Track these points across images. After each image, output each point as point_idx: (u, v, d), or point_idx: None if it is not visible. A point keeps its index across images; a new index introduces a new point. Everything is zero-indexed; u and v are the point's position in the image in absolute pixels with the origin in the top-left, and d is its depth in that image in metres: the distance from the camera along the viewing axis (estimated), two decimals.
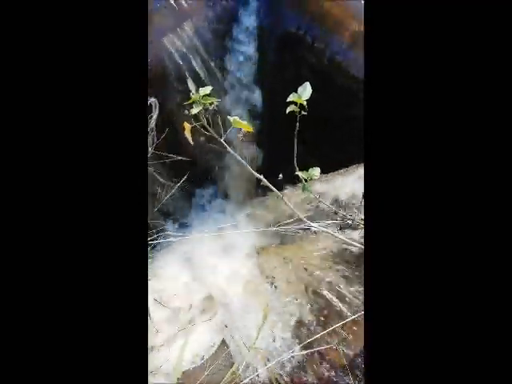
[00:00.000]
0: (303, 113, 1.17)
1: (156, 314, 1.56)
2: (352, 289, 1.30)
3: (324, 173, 1.40)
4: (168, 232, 1.65)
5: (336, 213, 1.47)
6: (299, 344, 1.27)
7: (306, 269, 1.40)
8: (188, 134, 1.12)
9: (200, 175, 2.46)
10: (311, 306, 1.32)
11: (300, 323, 1.31)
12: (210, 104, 1.08)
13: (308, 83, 1.16)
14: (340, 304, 1.27)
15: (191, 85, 1.04)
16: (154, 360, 1.41)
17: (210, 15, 1.84)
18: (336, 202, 1.56)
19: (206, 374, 1.30)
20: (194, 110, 1.09)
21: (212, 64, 1.97)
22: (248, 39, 1.77)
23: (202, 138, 1.17)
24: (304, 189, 1.36)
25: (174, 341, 1.48)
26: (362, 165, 1.57)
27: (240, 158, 1.22)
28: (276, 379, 1.23)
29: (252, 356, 1.29)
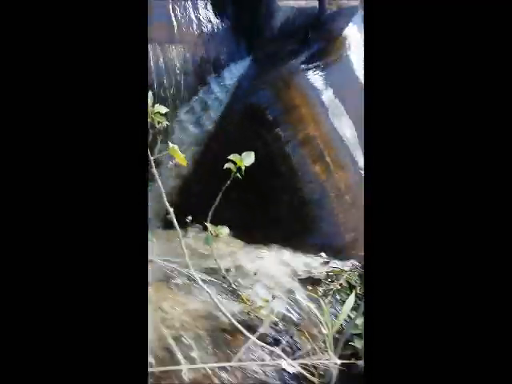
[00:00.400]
0: (238, 175, 1.23)
1: None
2: None
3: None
4: None
5: (224, 277, 1.48)
6: None
7: None
8: None
9: None
10: None
11: None
12: (158, 123, 1.09)
13: (253, 153, 1.25)
14: None
15: (150, 98, 1.05)
16: None
17: (201, 49, 1.94)
18: (233, 270, 1.56)
19: None
20: None
21: (182, 92, 2.02)
22: (220, 95, 1.90)
23: None
24: (206, 240, 1.36)
25: None
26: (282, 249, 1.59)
27: (159, 181, 1.20)
28: None
29: None
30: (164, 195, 1.21)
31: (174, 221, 1.21)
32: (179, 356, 1.11)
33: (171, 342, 1.15)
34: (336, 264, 1.46)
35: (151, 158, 1.13)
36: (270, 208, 1.75)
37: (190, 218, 1.35)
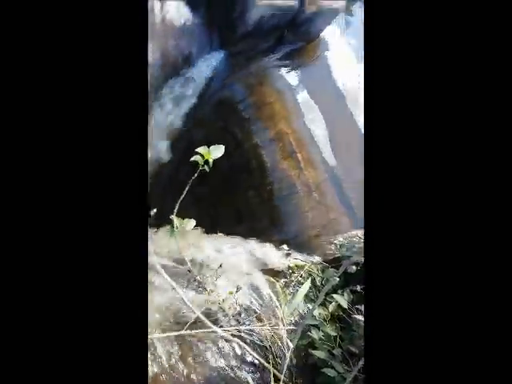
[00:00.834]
0: (206, 168, 1.24)
1: None
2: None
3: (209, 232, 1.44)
4: None
5: (189, 271, 1.49)
6: None
7: None
8: None
9: None
10: None
11: None
12: None
13: (222, 146, 1.27)
14: None
15: None
16: None
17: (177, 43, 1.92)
18: (198, 264, 1.58)
19: None
20: None
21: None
22: (191, 90, 1.90)
23: None
24: (170, 233, 1.38)
25: None
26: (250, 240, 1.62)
27: None
28: None
29: None
30: None
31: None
32: None
33: None
34: (298, 257, 1.50)
35: None
36: (237, 202, 1.77)
37: (154, 211, 1.35)
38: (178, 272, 1.49)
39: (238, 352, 1.20)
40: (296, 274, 1.42)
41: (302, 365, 1.23)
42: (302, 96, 1.98)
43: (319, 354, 1.24)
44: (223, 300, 1.33)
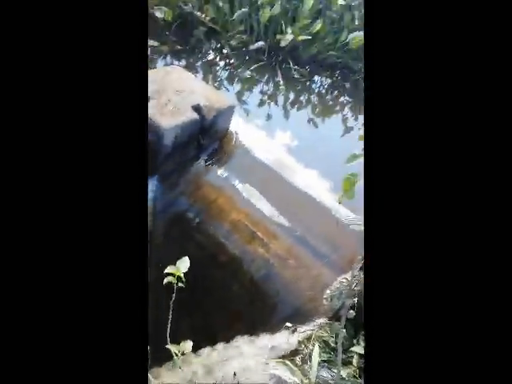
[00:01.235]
0: (180, 284, 1.26)
1: None
2: None
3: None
4: None
5: None
6: None
7: None
8: None
9: None
10: None
11: None
12: None
13: (187, 257, 1.31)
14: None
15: None
16: None
17: None
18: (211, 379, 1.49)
19: None
20: None
21: None
22: None
23: None
24: (174, 364, 1.30)
25: None
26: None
27: None
28: None
29: None
30: None
31: None
32: None
33: None
34: (304, 328, 1.48)
35: None
36: (223, 300, 1.75)
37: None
38: None
39: None
40: (308, 345, 1.39)
41: None
42: (237, 183, 2.15)
43: None
44: None
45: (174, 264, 1.28)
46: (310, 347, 1.36)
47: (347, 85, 3.31)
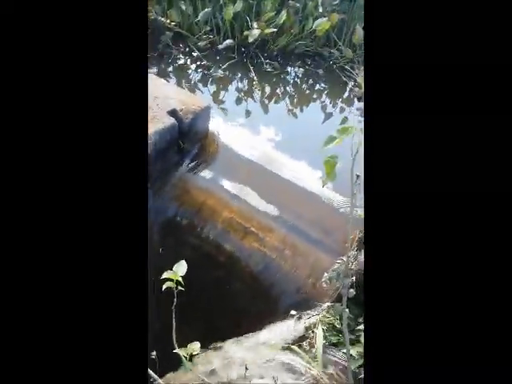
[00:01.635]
0: (180, 288, 1.26)
1: None
2: None
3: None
4: None
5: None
6: None
7: None
8: None
9: None
10: None
11: None
12: None
13: (184, 261, 1.31)
14: None
15: None
16: None
17: None
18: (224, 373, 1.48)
19: None
20: None
21: None
22: None
23: None
24: (184, 368, 1.30)
25: None
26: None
27: None
28: None
29: None
30: None
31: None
32: None
33: None
34: (309, 313, 1.49)
35: None
36: (225, 298, 1.75)
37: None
38: None
39: None
40: (315, 330, 1.40)
41: None
42: (225, 182, 2.14)
43: None
44: None
45: (171, 269, 1.27)
46: (317, 331, 1.37)
47: (320, 71, 3.33)
